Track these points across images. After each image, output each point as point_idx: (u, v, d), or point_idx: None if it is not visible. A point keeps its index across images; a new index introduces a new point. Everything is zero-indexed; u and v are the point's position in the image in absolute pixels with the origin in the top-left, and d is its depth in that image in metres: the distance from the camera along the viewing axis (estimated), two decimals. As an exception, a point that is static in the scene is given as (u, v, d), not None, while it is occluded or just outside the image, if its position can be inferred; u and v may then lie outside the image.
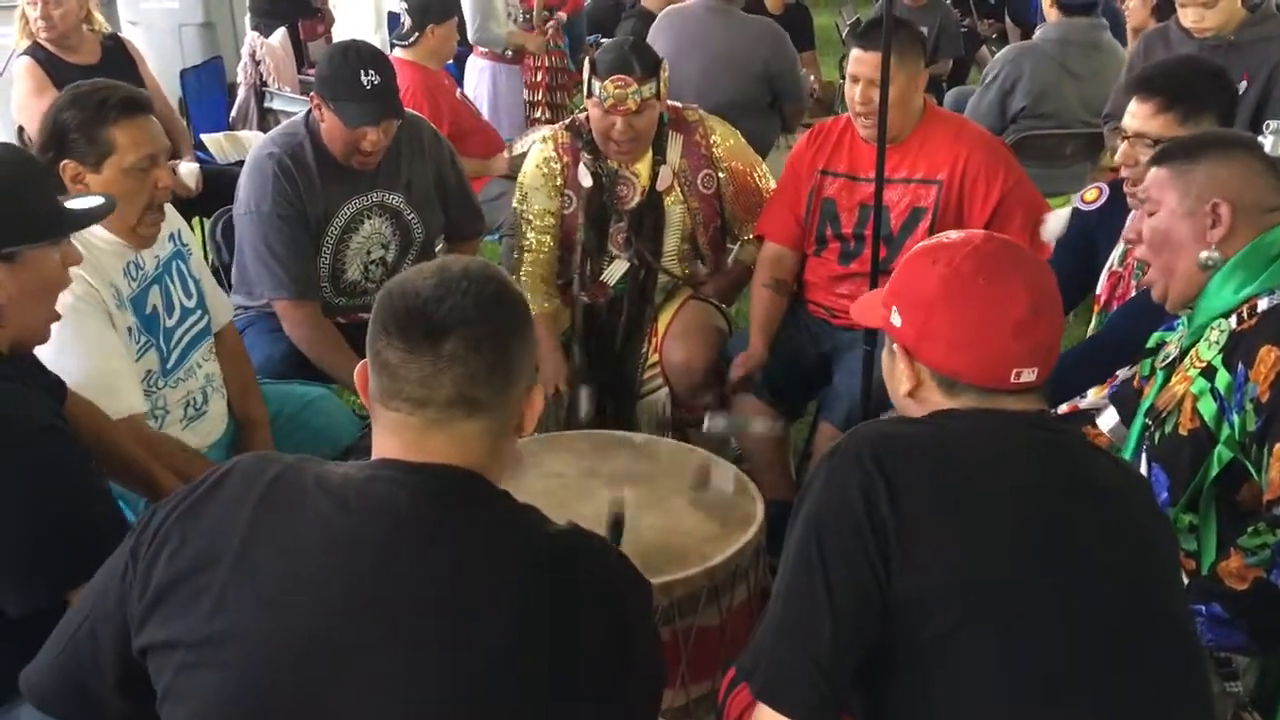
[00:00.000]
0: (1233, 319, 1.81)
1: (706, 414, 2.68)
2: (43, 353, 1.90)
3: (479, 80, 5.49)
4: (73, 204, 1.87)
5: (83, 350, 2.14)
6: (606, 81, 3.00)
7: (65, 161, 2.20)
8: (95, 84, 2.30)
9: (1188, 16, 3.67)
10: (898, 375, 1.51)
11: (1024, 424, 1.44)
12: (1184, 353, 1.90)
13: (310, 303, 2.98)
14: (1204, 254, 1.84)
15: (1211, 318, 1.84)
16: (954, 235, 1.52)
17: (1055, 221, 2.79)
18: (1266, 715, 1.79)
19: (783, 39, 4.67)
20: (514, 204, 3.33)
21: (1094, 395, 2.18)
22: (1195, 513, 1.83)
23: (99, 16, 4.33)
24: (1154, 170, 1.91)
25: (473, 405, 1.26)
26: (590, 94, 3.07)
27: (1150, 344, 2.04)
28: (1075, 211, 2.77)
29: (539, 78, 5.70)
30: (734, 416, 2.92)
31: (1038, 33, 4.76)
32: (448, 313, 1.25)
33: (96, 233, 2.24)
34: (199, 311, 2.56)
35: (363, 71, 2.83)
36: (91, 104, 2.20)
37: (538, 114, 5.69)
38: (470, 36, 5.41)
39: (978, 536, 1.34)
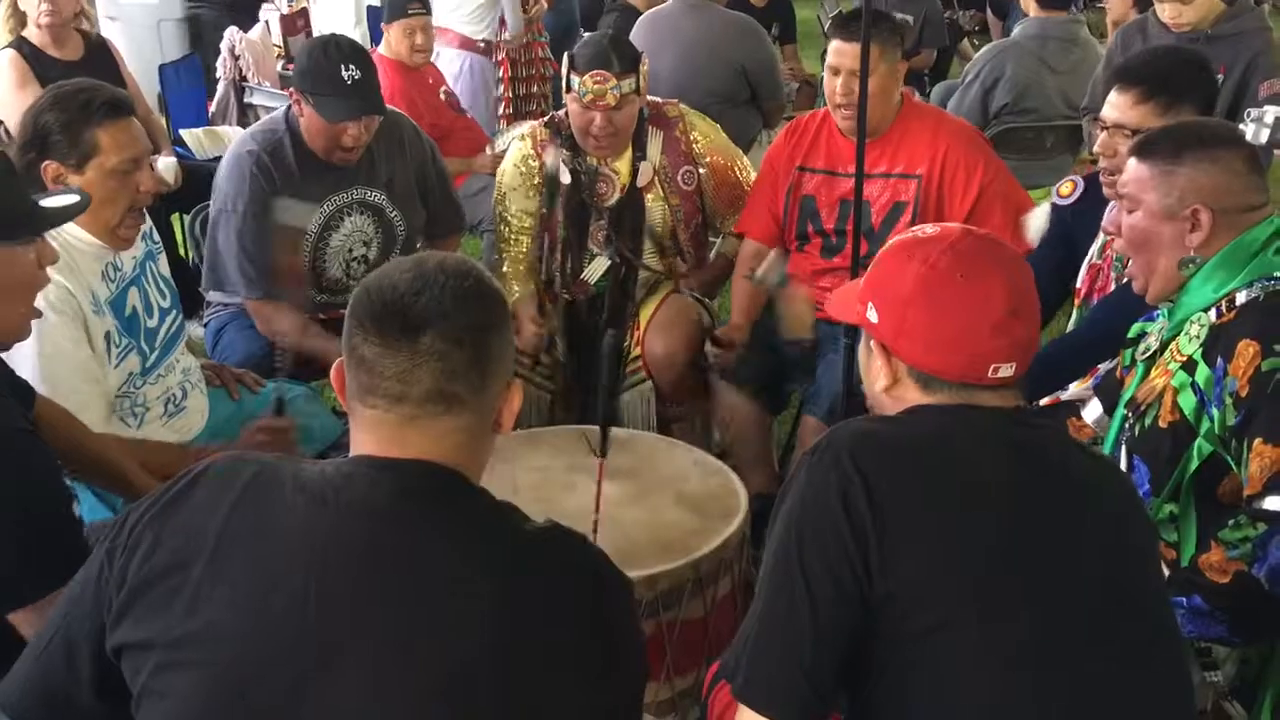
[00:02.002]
0: (1212, 312, 1.82)
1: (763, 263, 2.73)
2: (9, 360, 1.88)
3: (447, 70, 5.47)
4: (47, 202, 1.84)
5: (47, 363, 2.12)
6: (585, 77, 2.99)
7: (47, 162, 2.18)
8: (79, 84, 2.28)
9: (1165, 12, 3.69)
10: (874, 370, 1.51)
11: (1001, 420, 1.44)
12: (1164, 345, 1.91)
13: (278, 302, 2.96)
14: (1183, 257, 1.84)
15: (1191, 313, 1.85)
16: (930, 230, 1.51)
17: (1038, 219, 2.79)
18: (1246, 704, 1.80)
19: (760, 36, 4.68)
20: (493, 202, 3.32)
21: (1075, 388, 2.19)
22: (1177, 502, 1.84)
23: (92, 12, 4.32)
24: (1135, 165, 1.89)
25: (451, 401, 1.25)
26: (569, 89, 3.06)
27: (1131, 334, 2.05)
28: (1053, 207, 2.78)
29: (531, 71, 5.70)
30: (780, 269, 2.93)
31: (1016, 29, 4.79)
32: (425, 306, 1.24)
33: (76, 234, 2.22)
34: (174, 311, 2.55)
35: (343, 66, 2.81)
36: (75, 105, 2.18)
37: (532, 106, 5.69)
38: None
39: (956, 534, 1.35)
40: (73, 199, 1.87)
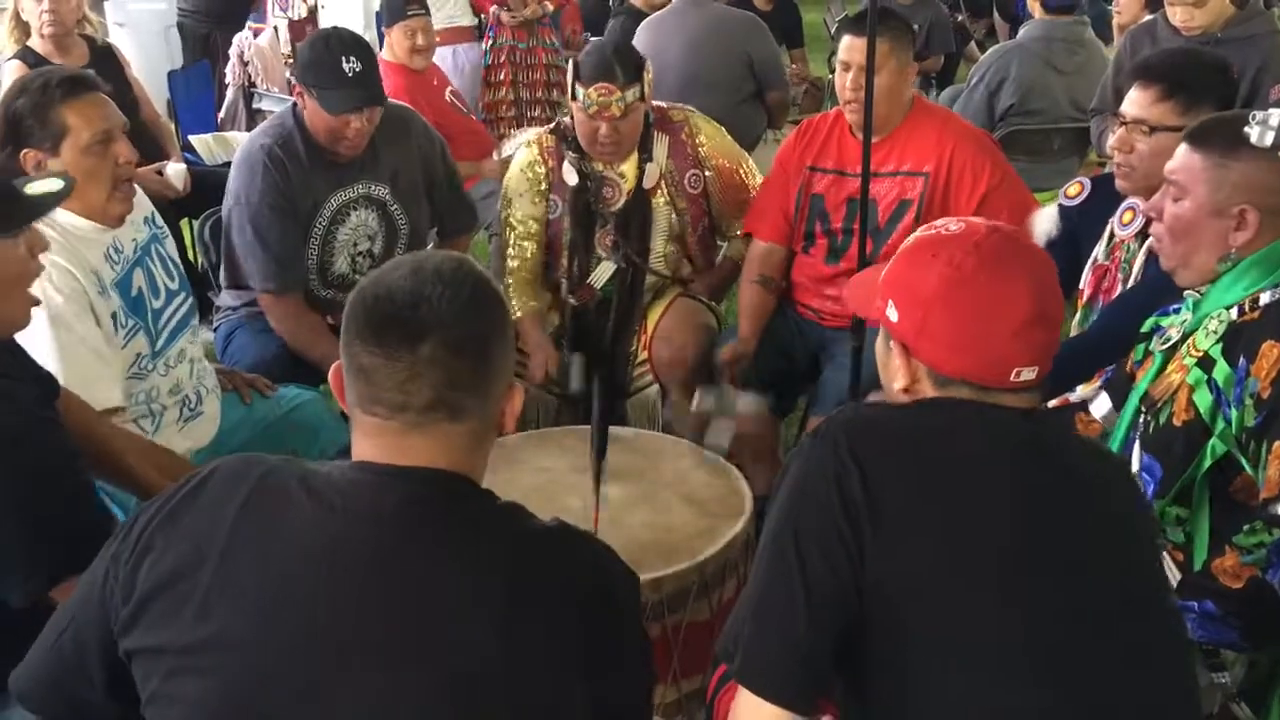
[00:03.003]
0: (1234, 310, 1.80)
1: (697, 392, 2.71)
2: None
3: (453, 65, 5.50)
4: (31, 188, 1.84)
5: (60, 346, 2.13)
6: (590, 89, 2.99)
7: (25, 151, 2.20)
8: (39, 70, 2.32)
9: (1177, 15, 3.68)
10: (892, 369, 1.48)
11: (1011, 417, 1.43)
12: (1185, 338, 1.89)
13: (295, 296, 2.98)
14: (1222, 254, 1.82)
15: (1216, 309, 1.83)
16: (954, 227, 1.47)
17: (1045, 221, 2.79)
18: (1255, 707, 1.79)
19: (764, 29, 4.74)
20: (499, 208, 3.32)
21: (1083, 390, 2.19)
22: (1184, 505, 1.82)
23: (94, 17, 4.34)
24: (1187, 152, 1.86)
25: (453, 408, 1.25)
26: (574, 98, 3.06)
27: (1144, 329, 2.04)
28: (1060, 208, 2.77)
29: (535, 76, 5.72)
30: (723, 394, 2.92)
31: (1022, 31, 4.81)
32: (424, 316, 1.23)
33: (70, 220, 2.23)
34: (182, 293, 2.56)
35: (344, 59, 2.83)
36: (36, 88, 2.20)
37: (535, 112, 5.71)
38: None
39: (957, 528, 1.34)
40: (56, 184, 1.86)
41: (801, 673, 1.32)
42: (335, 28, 3.10)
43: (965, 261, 1.40)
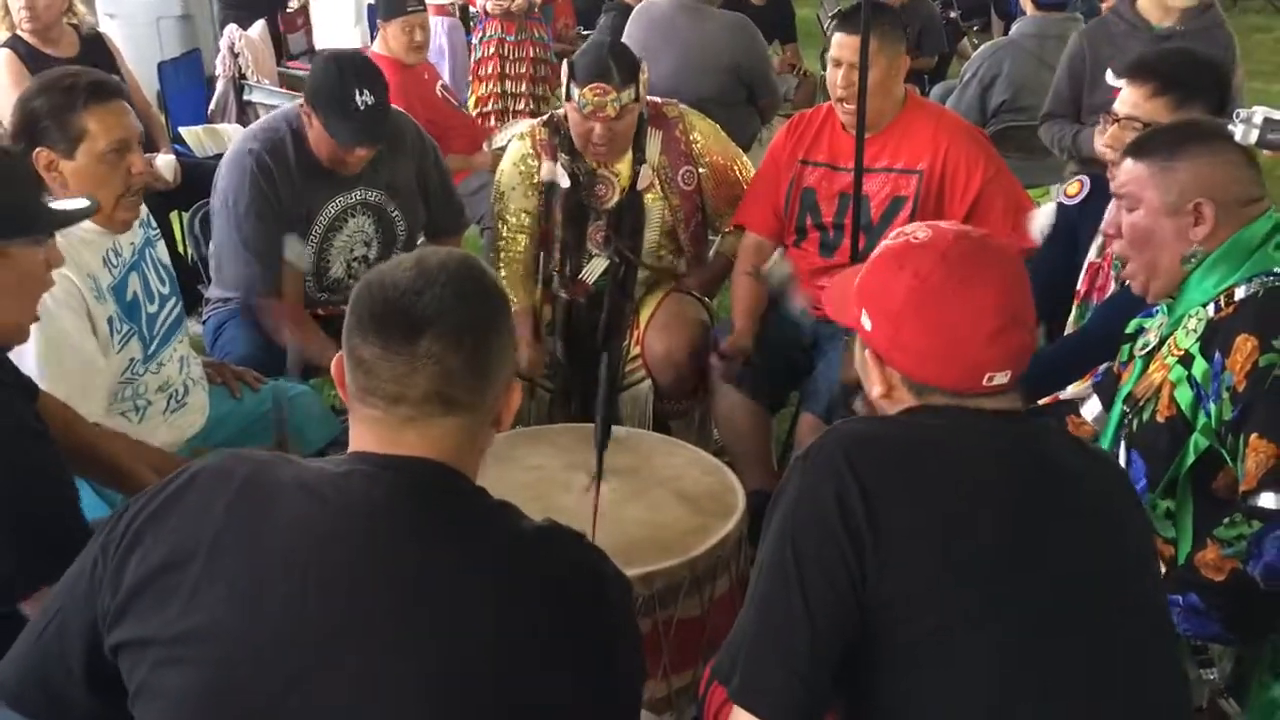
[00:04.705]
0: (1210, 307, 1.82)
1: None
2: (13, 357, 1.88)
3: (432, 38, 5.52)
4: (57, 205, 1.85)
5: (51, 349, 2.12)
6: (585, 89, 2.99)
7: (39, 149, 2.19)
8: (63, 71, 2.30)
9: None
10: (870, 377, 1.49)
11: (998, 420, 1.43)
12: (1163, 341, 1.91)
13: (281, 297, 2.97)
14: (1186, 252, 1.84)
15: (1191, 308, 1.85)
16: (922, 234, 1.46)
17: (1043, 217, 2.80)
18: (1242, 701, 1.80)
19: (752, 34, 4.67)
20: (491, 202, 3.32)
21: (1074, 389, 2.19)
22: (1174, 499, 1.84)
23: (81, 7, 4.31)
24: (1130, 164, 1.88)
25: (448, 403, 1.25)
26: (569, 97, 3.05)
27: (1129, 330, 2.05)
28: (1059, 207, 2.78)
29: (521, 69, 5.71)
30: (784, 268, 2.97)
31: (1014, 28, 4.81)
32: (425, 308, 1.23)
33: None
34: (173, 298, 2.56)
35: (357, 91, 2.80)
36: (60, 90, 2.19)
37: (520, 106, 5.70)
38: None
39: (956, 535, 1.34)
40: (82, 203, 1.88)
41: (802, 692, 1.31)
42: (352, 52, 3.08)
43: (933, 273, 1.40)
